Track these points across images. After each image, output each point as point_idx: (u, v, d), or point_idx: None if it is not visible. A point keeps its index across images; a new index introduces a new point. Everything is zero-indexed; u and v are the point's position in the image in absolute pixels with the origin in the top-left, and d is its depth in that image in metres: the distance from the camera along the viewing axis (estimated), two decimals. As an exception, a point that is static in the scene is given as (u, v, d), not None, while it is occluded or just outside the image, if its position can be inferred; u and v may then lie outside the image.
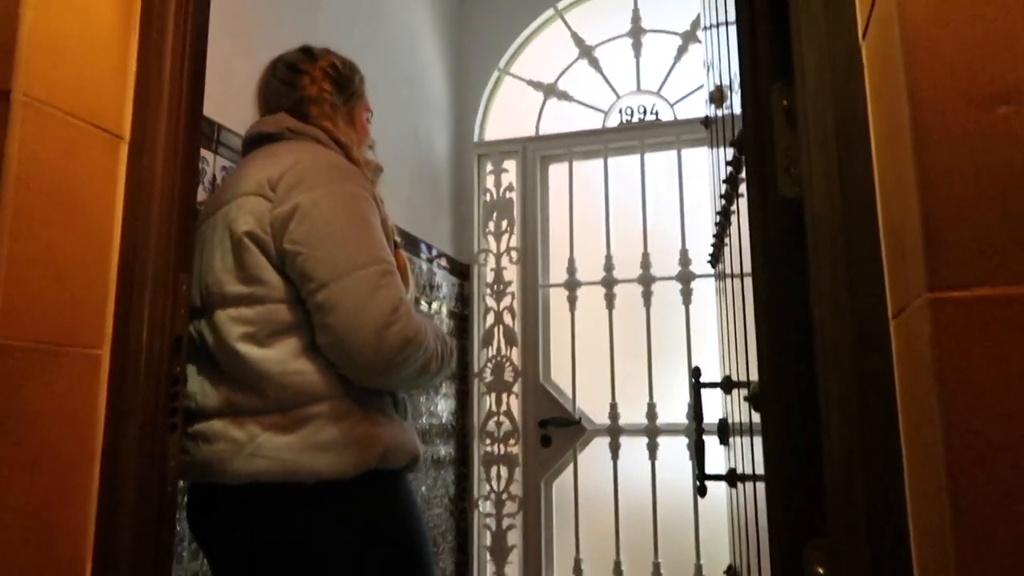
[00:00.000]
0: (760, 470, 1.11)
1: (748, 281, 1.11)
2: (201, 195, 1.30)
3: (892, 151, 0.69)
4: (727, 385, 1.56)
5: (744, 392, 1.29)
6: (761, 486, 1.12)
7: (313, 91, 1.40)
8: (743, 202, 1.12)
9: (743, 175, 1.11)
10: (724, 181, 1.29)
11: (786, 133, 0.92)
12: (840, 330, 0.81)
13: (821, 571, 0.86)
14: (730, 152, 1.22)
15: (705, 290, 3.04)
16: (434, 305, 3.04)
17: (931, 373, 0.60)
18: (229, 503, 1.23)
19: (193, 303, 1.28)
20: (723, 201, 1.37)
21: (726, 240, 1.52)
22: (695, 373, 1.65)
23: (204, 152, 1.71)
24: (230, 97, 1.66)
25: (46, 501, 1.00)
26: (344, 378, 1.23)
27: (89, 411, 1.08)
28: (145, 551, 1.11)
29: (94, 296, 1.10)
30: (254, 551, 1.22)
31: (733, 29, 1.12)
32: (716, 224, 1.61)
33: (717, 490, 1.89)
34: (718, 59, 1.46)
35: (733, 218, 1.33)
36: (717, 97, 1.48)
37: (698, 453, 1.59)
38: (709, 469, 1.60)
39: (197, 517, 1.31)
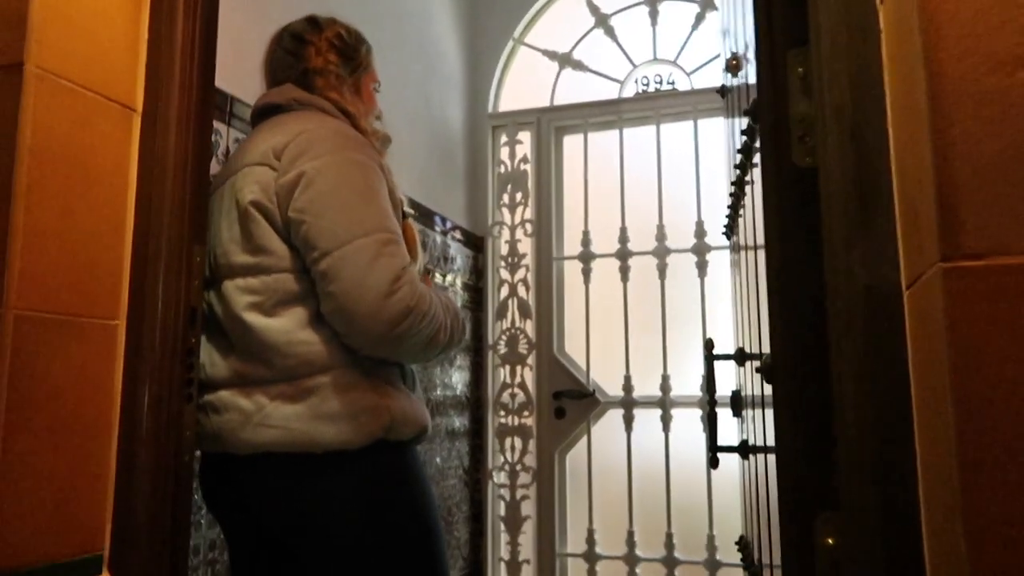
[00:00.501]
0: (772, 442, 1.11)
1: (762, 252, 1.10)
2: (214, 167, 1.30)
3: (908, 118, 0.68)
4: (740, 357, 1.56)
5: (757, 364, 1.28)
6: (773, 458, 1.13)
7: (318, 62, 1.39)
8: (757, 172, 1.10)
9: (757, 144, 1.09)
10: (738, 151, 1.28)
11: (801, 101, 0.90)
12: (854, 301, 0.81)
13: (831, 542, 0.86)
14: (744, 121, 1.20)
15: (721, 262, 3.01)
16: (448, 278, 3.04)
17: (944, 342, 0.60)
18: (239, 473, 1.24)
19: (214, 273, 1.29)
20: (738, 171, 1.36)
21: (740, 211, 1.51)
22: (708, 345, 1.65)
23: (217, 124, 1.71)
24: (243, 69, 1.66)
25: (67, 468, 1.02)
26: (351, 348, 1.23)
27: (106, 381, 1.09)
28: (163, 518, 1.13)
29: (109, 267, 1.11)
30: (263, 520, 1.23)
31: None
32: (731, 195, 1.59)
33: (729, 462, 1.90)
34: (735, 27, 1.44)
35: (748, 188, 1.31)
36: (733, 65, 1.45)
37: (711, 425, 1.60)
38: (722, 441, 1.61)
39: (209, 487, 1.33)
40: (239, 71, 1.71)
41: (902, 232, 0.75)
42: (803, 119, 0.90)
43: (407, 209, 1.38)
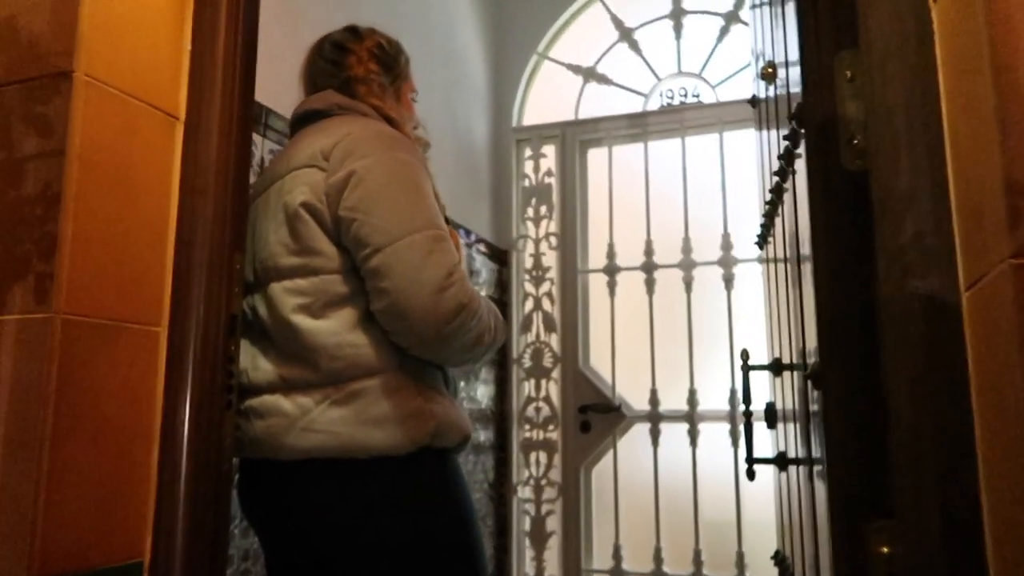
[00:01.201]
0: (815, 452, 1.09)
1: (804, 261, 1.09)
2: (251, 178, 1.30)
3: (970, 115, 0.67)
4: (776, 367, 1.54)
5: (797, 374, 1.26)
6: (814, 469, 1.11)
7: (360, 71, 1.40)
8: (799, 179, 1.09)
9: (800, 150, 1.08)
10: (779, 157, 1.27)
11: (850, 104, 0.90)
12: (910, 306, 0.79)
13: (886, 551, 0.84)
14: (786, 128, 1.20)
15: (747, 275, 2.99)
16: (473, 291, 3.04)
17: (1014, 343, 0.59)
18: (280, 479, 1.23)
19: (246, 279, 1.29)
20: (776, 179, 1.35)
21: (777, 219, 1.50)
22: (744, 356, 1.63)
23: (253, 135, 1.73)
24: (277, 81, 1.68)
25: (109, 472, 1.02)
26: (398, 351, 1.22)
27: (148, 387, 1.10)
28: (204, 526, 1.13)
29: (152, 274, 1.12)
30: (304, 527, 1.22)
31: (788, 4, 1.09)
32: (767, 203, 1.58)
33: (759, 480, 1.86)
34: (770, 36, 1.43)
35: (787, 196, 1.30)
36: (768, 74, 1.45)
37: (747, 436, 1.58)
38: (756, 453, 1.58)
39: (248, 494, 1.32)
40: (274, 83, 1.72)
41: (960, 233, 0.74)
42: (852, 121, 0.89)
43: (447, 215, 1.38)
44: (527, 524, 3.22)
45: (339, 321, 1.22)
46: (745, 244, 2.86)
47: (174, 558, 1.10)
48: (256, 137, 1.78)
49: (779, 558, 1.77)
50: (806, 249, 1.04)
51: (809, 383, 1.06)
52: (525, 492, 3.24)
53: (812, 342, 1.03)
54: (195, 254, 1.16)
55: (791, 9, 1.05)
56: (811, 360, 1.05)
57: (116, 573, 1.03)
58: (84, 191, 1.00)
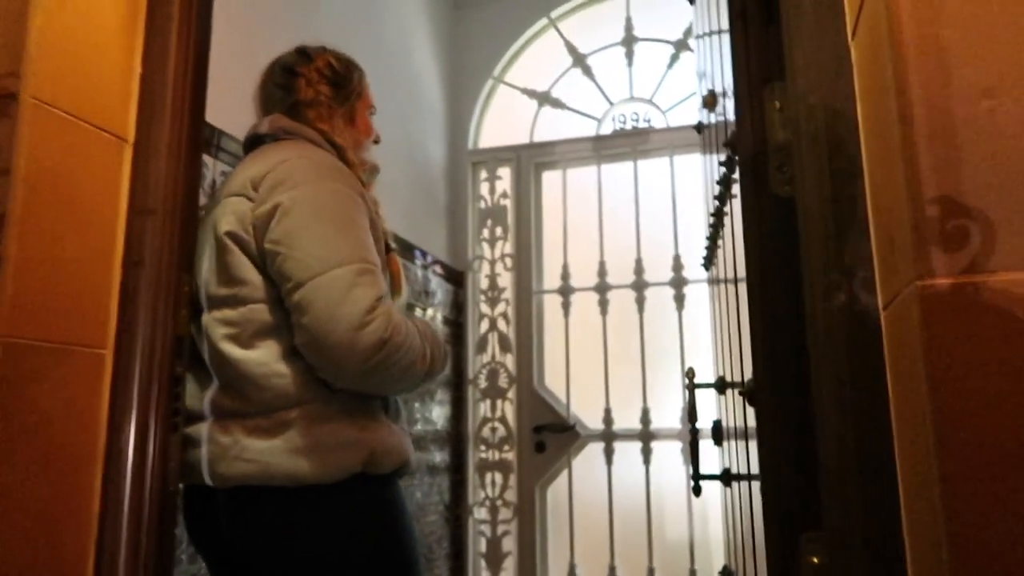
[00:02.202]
0: (755, 468, 1.13)
1: (741, 281, 1.13)
2: (201, 199, 1.31)
3: (881, 146, 0.72)
4: (721, 385, 1.58)
5: (738, 391, 1.31)
6: (755, 484, 1.14)
7: (309, 94, 1.39)
8: (736, 202, 1.14)
9: (736, 175, 1.13)
10: (718, 182, 1.32)
11: (778, 133, 0.94)
12: (833, 323, 0.84)
13: (816, 560, 0.88)
14: (723, 154, 1.25)
15: (697, 295, 3.06)
16: (429, 311, 3.05)
17: (921, 359, 0.62)
18: (218, 506, 1.23)
19: (197, 306, 1.29)
20: (716, 202, 1.40)
21: (719, 241, 1.55)
22: (690, 374, 1.67)
23: (204, 157, 1.73)
24: (229, 102, 1.68)
25: (53, 499, 1.01)
26: (326, 382, 1.22)
27: (94, 410, 1.09)
28: (147, 551, 1.12)
29: (98, 296, 1.11)
30: (244, 553, 1.22)
31: (726, 37, 1.15)
32: (710, 226, 1.63)
33: (710, 496, 1.90)
34: (711, 65, 1.49)
35: (726, 219, 1.35)
36: (710, 102, 1.50)
37: (693, 453, 1.61)
38: (704, 470, 1.62)
39: (192, 519, 1.31)
40: (226, 104, 1.73)
41: (877, 256, 0.79)
42: (780, 150, 0.94)
43: (392, 244, 1.38)
44: (483, 545, 3.21)
45: (267, 351, 1.21)
46: (695, 265, 2.92)
47: (117, 582, 1.09)
48: (208, 159, 1.78)
49: (726, 573, 1.80)
50: (742, 270, 1.08)
51: (745, 400, 1.10)
52: (481, 513, 3.24)
53: (750, 360, 1.07)
54: (142, 276, 1.16)
55: (726, 44, 1.11)
56: (748, 378, 1.09)
57: (57, 599, 1.02)
58: (29, 213, 1.00)
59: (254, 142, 1.38)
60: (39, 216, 1.01)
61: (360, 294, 1.17)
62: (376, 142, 1.49)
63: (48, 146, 1.03)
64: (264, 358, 1.21)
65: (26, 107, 1.00)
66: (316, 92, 1.39)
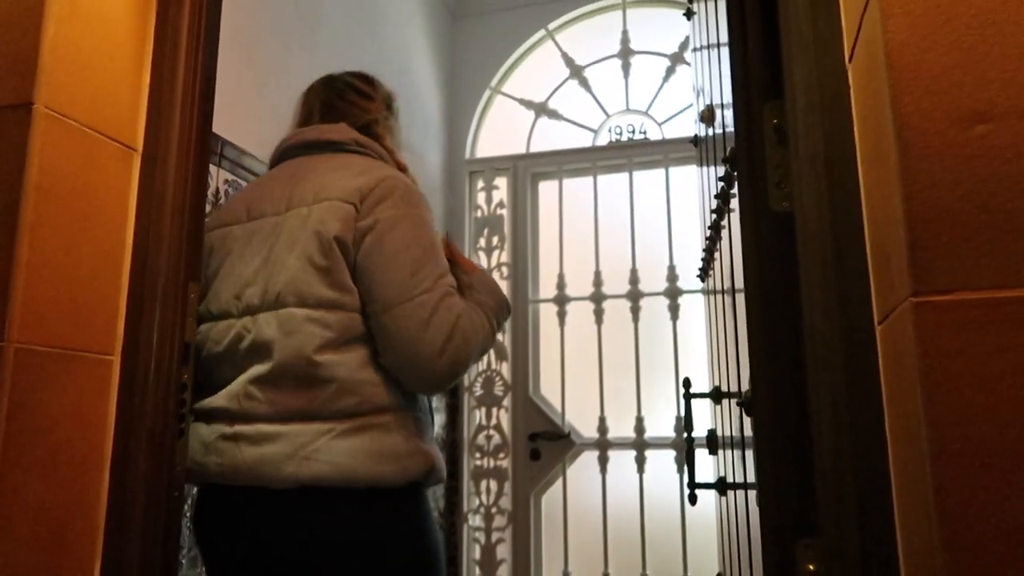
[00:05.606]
0: (751, 477, 1.15)
1: (739, 293, 1.16)
2: (206, 208, 1.32)
3: (878, 166, 0.74)
4: (717, 395, 1.60)
5: (734, 401, 1.33)
6: (751, 493, 1.16)
7: (379, 116, 1.49)
8: (735, 216, 1.16)
9: (734, 191, 1.16)
10: (716, 196, 1.34)
11: (776, 150, 0.97)
12: (830, 336, 0.86)
13: (812, 568, 0.90)
14: (721, 169, 1.27)
15: (692, 306, 3.09)
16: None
17: (916, 372, 0.65)
18: (269, 507, 1.22)
19: (226, 306, 1.31)
20: (714, 216, 1.42)
21: (716, 254, 1.57)
22: (686, 384, 1.70)
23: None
24: (233, 112, 1.70)
25: (60, 503, 1.03)
26: (404, 391, 1.28)
27: (101, 415, 1.10)
28: (153, 555, 1.13)
29: (106, 303, 1.13)
30: (279, 554, 1.22)
31: (724, 51, 1.17)
32: (706, 239, 1.66)
33: (703, 505, 1.92)
34: (708, 80, 1.52)
35: (724, 233, 1.38)
36: (707, 116, 1.53)
37: (689, 462, 1.63)
38: (699, 478, 1.64)
39: (206, 522, 1.31)
40: (230, 114, 1.75)
41: (874, 271, 0.81)
42: (778, 166, 0.96)
43: None
44: (477, 553, 3.22)
45: (356, 357, 1.25)
46: (690, 276, 2.95)
47: (122, 587, 1.10)
48: (212, 167, 1.79)
49: (721, 581, 1.82)
50: (740, 282, 1.11)
51: (743, 410, 1.12)
52: (475, 520, 3.25)
53: (747, 371, 1.09)
54: (150, 283, 1.17)
55: (726, 59, 1.13)
56: (745, 388, 1.11)
57: (62, 603, 1.03)
58: (40, 220, 1.01)
59: (317, 146, 1.41)
60: (50, 224, 1.03)
61: (440, 320, 1.24)
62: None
63: (59, 155, 1.05)
64: (354, 363, 1.24)
65: (39, 116, 1.02)
66: (385, 116, 1.50)
